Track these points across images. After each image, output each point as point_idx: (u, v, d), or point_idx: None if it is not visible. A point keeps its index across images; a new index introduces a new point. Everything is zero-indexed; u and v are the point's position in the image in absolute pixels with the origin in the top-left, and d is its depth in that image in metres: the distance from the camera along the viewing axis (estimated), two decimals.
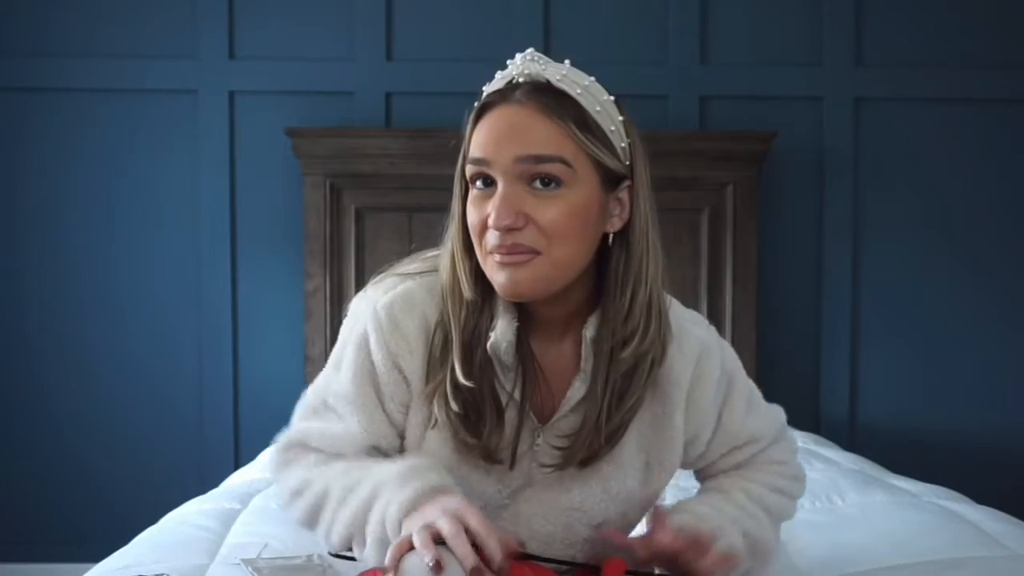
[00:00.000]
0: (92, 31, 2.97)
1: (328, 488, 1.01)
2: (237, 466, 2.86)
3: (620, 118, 1.01)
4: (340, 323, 1.15)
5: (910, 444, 3.05)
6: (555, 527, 1.08)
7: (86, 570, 1.35)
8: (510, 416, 1.02)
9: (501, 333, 1.00)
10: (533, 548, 1.06)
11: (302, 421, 1.09)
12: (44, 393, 2.98)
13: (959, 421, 3.10)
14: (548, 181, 0.95)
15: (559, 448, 1.04)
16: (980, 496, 1.81)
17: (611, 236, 1.02)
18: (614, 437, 1.03)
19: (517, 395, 1.03)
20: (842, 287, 3.07)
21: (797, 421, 2.77)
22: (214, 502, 1.74)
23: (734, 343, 2.91)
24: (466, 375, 0.99)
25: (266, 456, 2.22)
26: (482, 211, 0.97)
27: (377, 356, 1.04)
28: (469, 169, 0.99)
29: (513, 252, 0.95)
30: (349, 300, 1.17)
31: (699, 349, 1.10)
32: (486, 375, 1.01)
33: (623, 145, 1.01)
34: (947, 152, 3.09)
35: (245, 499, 1.74)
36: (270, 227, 3.01)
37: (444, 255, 1.05)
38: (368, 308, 1.06)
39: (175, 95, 2.99)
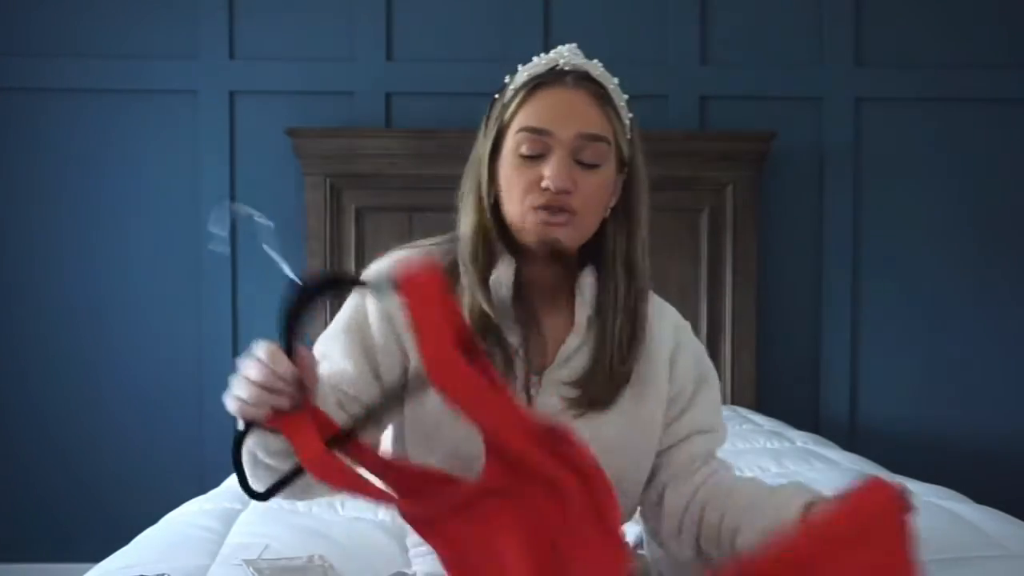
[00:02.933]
0: (92, 31, 2.97)
1: None
2: None
3: (630, 115, 1.18)
4: None
5: (910, 444, 3.05)
6: None
7: (86, 570, 1.35)
8: (516, 363, 1.13)
9: (502, 272, 1.14)
10: None
11: None
12: (44, 393, 2.98)
13: (959, 421, 3.10)
14: (590, 162, 1.12)
15: (572, 386, 1.15)
16: (980, 496, 1.81)
17: (608, 210, 1.17)
18: (624, 380, 1.16)
19: (517, 338, 1.14)
20: (842, 287, 3.07)
21: (797, 421, 2.77)
22: (215, 502, 1.74)
23: (734, 343, 2.92)
24: (490, 310, 1.12)
25: None
26: (531, 173, 1.11)
27: (372, 311, 1.16)
28: (524, 137, 1.11)
29: (559, 212, 1.11)
30: None
31: (675, 322, 1.26)
32: (491, 326, 1.13)
33: (628, 137, 1.17)
34: (947, 152, 3.09)
35: (246, 499, 1.74)
36: None
37: (466, 213, 1.17)
38: (368, 272, 1.18)
39: (175, 95, 2.99)
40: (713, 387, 1.26)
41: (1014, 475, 3.07)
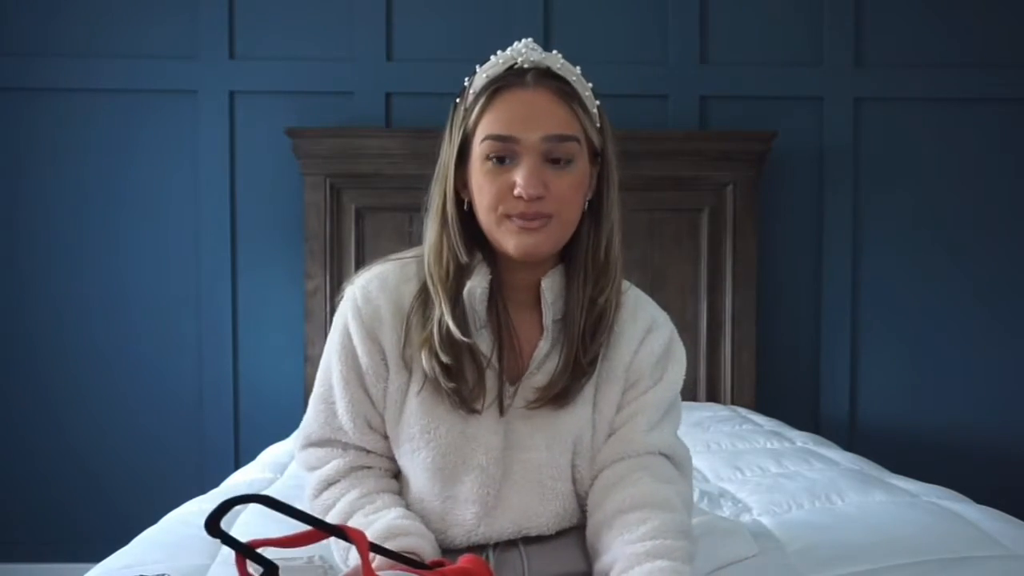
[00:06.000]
0: (93, 31, 2.98)
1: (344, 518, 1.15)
2: (237, 466, 2.86)
3: (597, 102, 1.15)
4: None
5: (910, 444, 3.05)
6: (532, 493, 1.15)
7: (86, 570, 1.35)
8: (488, 373, 1.14)
9: (476, 282, 1.13)
10: (521, 524, 1.15)
11: (313, 411, 1.20)
12: (45, 393, 2.99)
13: (959, 421, 3.10)
14: (562, 158, 1.09)
15: (544, 389, 1.14)
16: (980, 496, 1.80)
17: (585, 204, 1.15)
18: (586, 373, 1.15)
19: (491, 347, 1.14)
20: (842, 287, 3.07)
21: (797, 421, 2.77)
22: (215, 502, 1.74)
23: (734, 343, 2.92)
24: (458, 326, 1.11)
25: (267, 456, 2.22)
26: (502, 182, 1.09)
27: (355, 333, 1.15)
28: (490, 145, 1.09)
29: (534, 219, 1.09)
30: None
31: (651, 321, 1.22)
32: (467, 330, 1.13)
33: (598, 126, 1.15)
34: (947, 152, 3.09)
35: None
36: (270, 227, 3.01)
37: (432, 223, 1.15)
38: (348, 293, 1.18)
39: (175, 95, 2.99)
40: (665, 389, 1.20)
41: (1014, 475, 3.07)
